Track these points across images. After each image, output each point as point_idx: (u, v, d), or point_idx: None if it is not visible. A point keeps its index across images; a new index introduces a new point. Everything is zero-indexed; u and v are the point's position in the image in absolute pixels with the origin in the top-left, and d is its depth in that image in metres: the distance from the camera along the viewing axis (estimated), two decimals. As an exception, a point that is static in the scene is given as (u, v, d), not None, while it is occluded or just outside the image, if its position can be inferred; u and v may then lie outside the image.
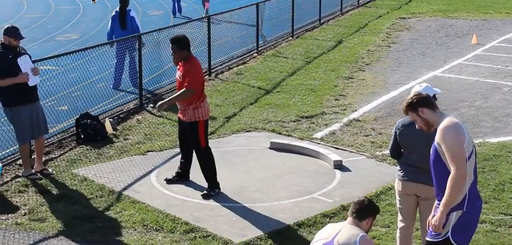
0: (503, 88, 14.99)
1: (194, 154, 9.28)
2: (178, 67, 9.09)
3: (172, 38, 9.12)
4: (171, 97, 9.07)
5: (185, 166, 9.49)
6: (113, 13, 15.21)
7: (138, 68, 13.89)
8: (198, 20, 18.96)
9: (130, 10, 15.22)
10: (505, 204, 8.70)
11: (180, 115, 9.14)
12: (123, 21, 15.00)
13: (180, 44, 8.93)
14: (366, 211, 5.78)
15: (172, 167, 9.88)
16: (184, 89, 8.82)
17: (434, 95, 6.57)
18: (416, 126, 5.78)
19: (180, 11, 26.98)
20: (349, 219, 5.75)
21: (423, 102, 5.65)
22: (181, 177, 9.49)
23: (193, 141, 9.05)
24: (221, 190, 9.06)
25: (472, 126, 12.03)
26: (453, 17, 27.20)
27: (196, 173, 9.41)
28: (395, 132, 6.75)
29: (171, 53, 9.05)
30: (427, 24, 25.26)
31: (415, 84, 6.82)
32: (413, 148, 6.61)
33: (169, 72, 15.29)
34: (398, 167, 6.82)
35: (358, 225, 5.69)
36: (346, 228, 5.62)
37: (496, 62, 17.94)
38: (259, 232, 7.96)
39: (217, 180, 9.11)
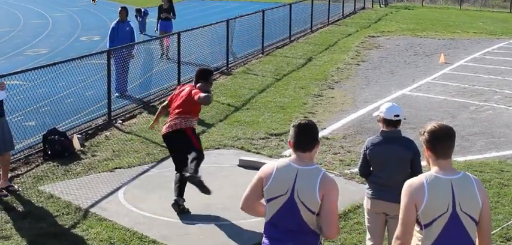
0: (470, 107, 15.17)
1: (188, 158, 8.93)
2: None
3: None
4: None
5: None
6: None
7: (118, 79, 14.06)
8: (167, 36, 18.91)
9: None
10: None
11: None
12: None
13: None
14: (310, 137, 4.87)
15: (141, 185, 9.81)
16: None
17: (398, 116, 6.63)
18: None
19: (144, 28, 26.76)
20: (294, 155, 4.91)
21: (429, 143, 4.63)
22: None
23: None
24: (189, 208, 8.97)
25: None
26: (421, 36, 27.54)
27: (164, 190, 9.35)
28: (365, 151, 6.78)
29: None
30: (396, 42, 25.53)
31: (384, 102, 6.85)
32: (382, 166, 6.64)
33: (150, 81, 15.25)
34: (367, 186, 6.84)
35: (308, 158, 4.84)
36: (299, 173, 4.81)
37: (463, 81, 18.16)
38: (227, 251, 7.94)
39: (184, 196, 8.95)
